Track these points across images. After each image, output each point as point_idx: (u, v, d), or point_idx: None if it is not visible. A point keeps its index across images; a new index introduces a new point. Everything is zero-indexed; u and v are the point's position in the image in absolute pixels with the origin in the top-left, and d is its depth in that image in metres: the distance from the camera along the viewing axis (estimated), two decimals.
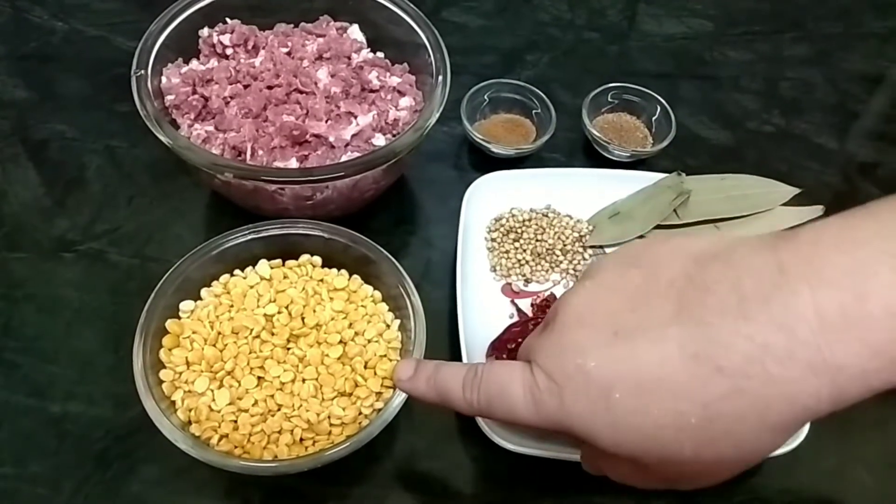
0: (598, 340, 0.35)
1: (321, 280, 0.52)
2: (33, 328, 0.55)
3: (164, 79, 0.58)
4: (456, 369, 0.41)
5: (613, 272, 0.38)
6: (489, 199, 0.62)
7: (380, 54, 0.64)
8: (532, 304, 0.58)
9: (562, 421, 0.36)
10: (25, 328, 0.55)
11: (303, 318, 0.49)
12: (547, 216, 0.62)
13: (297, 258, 0.53)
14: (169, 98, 0.58)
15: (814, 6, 0.85)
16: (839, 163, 0.71)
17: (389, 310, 0.51)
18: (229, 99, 0.58)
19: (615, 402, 0.34)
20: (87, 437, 0.51)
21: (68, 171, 0.64)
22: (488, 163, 0.66)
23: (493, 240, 0.61)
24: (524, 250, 0.60)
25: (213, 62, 0.61)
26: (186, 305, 0.50)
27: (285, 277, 0.52)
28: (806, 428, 0.49)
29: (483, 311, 0.56)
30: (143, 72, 0.55)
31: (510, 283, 0.60)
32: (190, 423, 0.46)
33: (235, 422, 0.45)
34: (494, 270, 0.60)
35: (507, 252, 0.60)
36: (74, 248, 0.60)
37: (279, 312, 0.49)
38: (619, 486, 0.50)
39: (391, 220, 0.63)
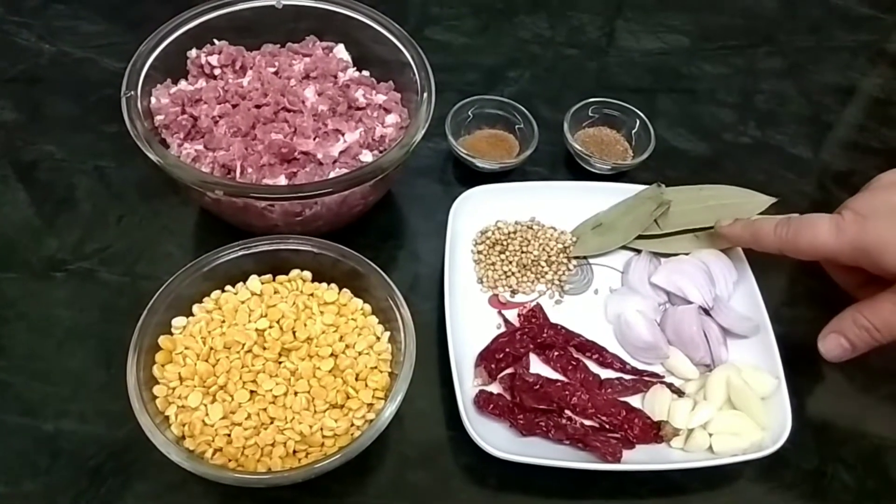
0: None
1: (311, 294, 0.53)
2: (25, 347, 0.56)
3: (153, 99, 0.59)
4: (769, 219, 0.55)
5: None
6: (475, 212, 0.63)
7: (365, 73, 0.65)
8: (519, 315, 0.59)
9: (857, 242, 0.49)
10: (17, 348, 0.56)
11: (294, 332, 0.50)
12: (532, 228, 0.64)
13: (287, 273, 0.54)
14: (158, 118, 0.59)
15: (786, 21, 0.88)
16: (814, 172, 0.73)
17: (379, 322, 0.52)
18: (218, 118, 0.59)
19: None
20: (80, 454, 0.51)
21: (57, 191, 0.65)
22: (473, 177, 0.67)
23: (479, 252, 0.62)
24: (510, 262, 0.62)
25: (202, 82, 0.62)
26: (178, 322, 0.51)
27: (276, 292, 0.53)
28: (787, 431, 0.50)
29: (471, 323, 0.57)
30: (132, 92, 0.56)
31: (497, 295, 0.61)
32: (184, 437, 0.46)
33: (229, 435, 0.46)
34: (481, 282, 0.61)
35: (493, 264, 0.62)
36: (65, 267, 0.60)
37: (270, 327, 0.50)
38: (609, 492, 0.51)
39: (379, 235, 0.64)
